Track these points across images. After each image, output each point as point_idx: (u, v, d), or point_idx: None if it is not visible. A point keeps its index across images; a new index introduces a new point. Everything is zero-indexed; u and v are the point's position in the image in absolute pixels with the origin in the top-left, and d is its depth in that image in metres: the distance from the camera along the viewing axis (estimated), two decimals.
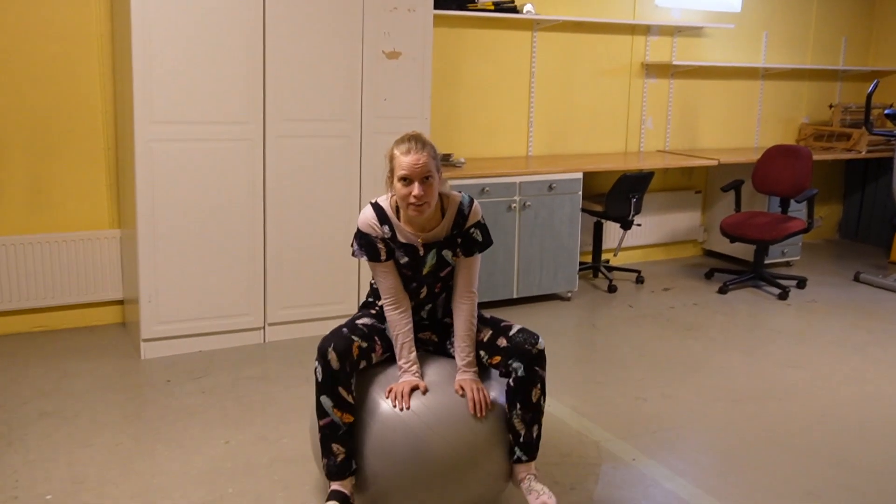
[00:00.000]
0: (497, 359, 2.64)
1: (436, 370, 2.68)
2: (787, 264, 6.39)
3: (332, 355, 2.52)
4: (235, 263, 4.17)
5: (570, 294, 5.35)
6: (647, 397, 3.79)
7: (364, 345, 2.61)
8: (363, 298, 4.47)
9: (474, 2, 5.05)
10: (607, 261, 5.99)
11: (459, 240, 2.71)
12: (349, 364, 2.54)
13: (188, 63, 3.88)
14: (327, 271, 4.41)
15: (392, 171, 2.60)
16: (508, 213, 4.92)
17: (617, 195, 5.35)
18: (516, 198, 4.93)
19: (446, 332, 2.81)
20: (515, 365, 2.57)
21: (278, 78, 4.09)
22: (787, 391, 3.91)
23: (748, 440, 3.38)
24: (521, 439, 2.61)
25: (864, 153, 6.45)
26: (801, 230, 5.51)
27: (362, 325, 2.68)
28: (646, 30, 5.95)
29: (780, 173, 5.69)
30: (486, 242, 2.76)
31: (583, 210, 5.28)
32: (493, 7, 5.10)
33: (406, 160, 2.54)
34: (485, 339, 2.70)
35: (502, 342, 2.63)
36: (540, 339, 2.60)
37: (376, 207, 2.69)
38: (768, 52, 6.64)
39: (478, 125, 5.42)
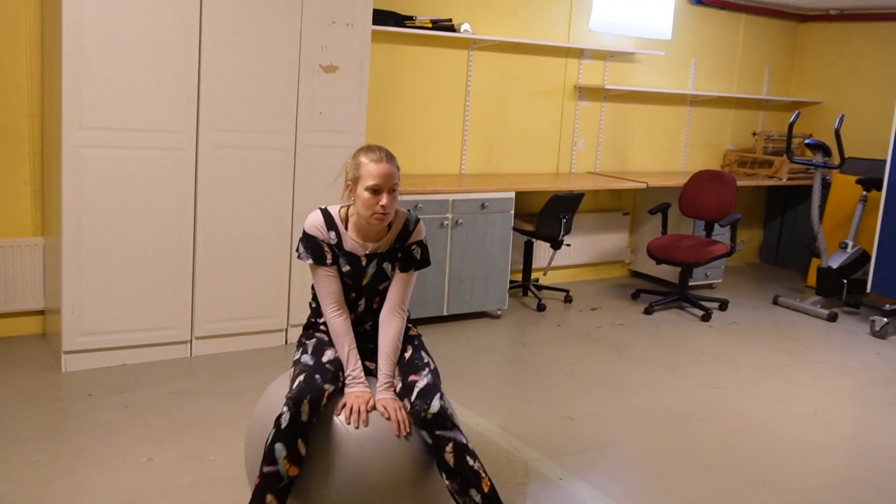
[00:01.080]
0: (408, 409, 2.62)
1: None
2: (710, 286, 6.58)
3: (305, 406, 2.45)
4: (163, 275, 4.08)
5: (499, 312, 5.40)
6: (574, 416, 3.84)
7: (332, 388, 2.57)
8: (294, 313, 4.48)
9: (412, 19, 5.08)
10: (537, 280, 6.07)
11: (400, 254, 2.73)
12: (318, 416, 2.49)
13: (120, 68, 3.80)
14: (258, 285, 4.36)
15: (357, 179, 2.60)
16: (441, 231, 4.94)
17: (548, 215, 5.43)
18: (449, 215, 4.96)
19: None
20: (424, 435, 2.53)
21: (213, 87, 4.04)
22: (709, 411, 4.02)
23: (673, 460, 3.46)
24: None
25: (784, 180, 6.70)
26: (724, 254, 5.69)
27: (328, 363, 2.64)
28: (579, 53, 6.07)
29: (706, 198, 5.86)
30: (424, 262, 2.78)
31: (514, 229, 5.34)
32: (430, 25, 5.13)
33: (377, 169, 2.56)
34: (396, 388, 2.66)
35: (406, 404, 2.59)
36: (434, 400, 2.51)
37: (325, 213, 2.70)
38: (696, 80, 6.85)
39: (412, 141, 5.43)
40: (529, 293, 5.90)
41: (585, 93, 6.20)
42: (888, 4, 6.48)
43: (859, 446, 3.75)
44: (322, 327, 2.81)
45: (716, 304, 5.91)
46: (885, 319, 5.49)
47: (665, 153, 6.84)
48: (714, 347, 5.06)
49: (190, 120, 4.01)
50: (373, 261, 2.71)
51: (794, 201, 7.39)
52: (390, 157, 2.61)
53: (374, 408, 2.55)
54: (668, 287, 6.36)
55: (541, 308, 5.60)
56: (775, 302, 6.22)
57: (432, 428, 2.51)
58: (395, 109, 5.32)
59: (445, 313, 5.08)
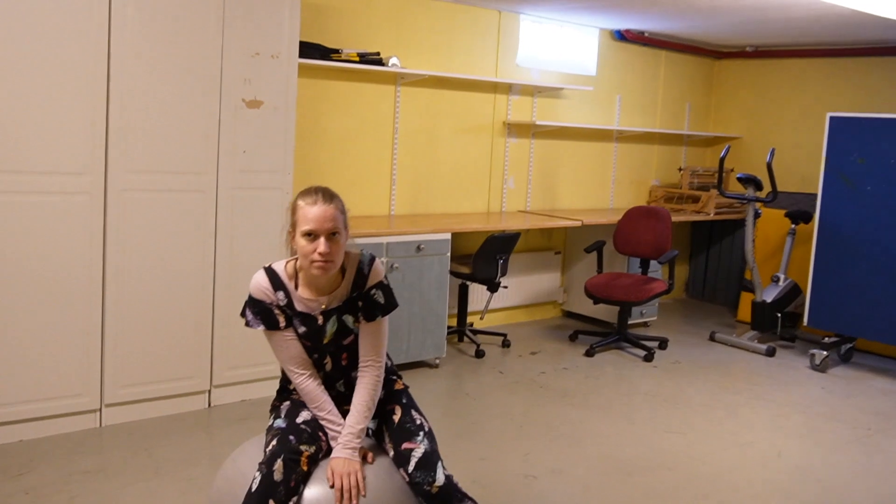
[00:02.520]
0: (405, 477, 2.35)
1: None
2: (646, 324, 6.44)
3: (278, 465, 2.16)
4: (66, 336, 3.58)
5: (437, 361, 5.07)
6: (536, 474, 3.53)
7: (312, 450, 2.27)
8: (218, 371, 4.03)
9: (339, 52, 4.77)
10: (471, 324, 5.78)
11: (360, 303, 2.41)
12: (294, 478, 2.18)
13: (12, 101, 3.33)
14: (176, 343, 3.90)
15: (294, 224, 2.31)
16: None
17: (485, 256, 5.17)
18: (384, 259, 4.62)
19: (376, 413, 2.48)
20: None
21: (123, 123, 3.61)
22: (674, 460, 3.78)
23: None
24: None
25: (712, 215, 6.66)
26: (663, 291, 5.54)
27: (303, 423, 2.33)
28: (507, 89, 5.89)
29: (642, 234, 5.72)
30: (390, 304, 2.46)
31: (450, 272, 5.04)
32: (357, 58, 4.84)
33: (311, 212, 2.27)
34: (390, 454, 2.40)
35: (404, 475, 2.32)
36: (437, 472, 2.29)
37: (269, 272, 2.39)
38: (622, 115, 6.77)
39: (340, 181, 5.09)
40: (466, 339, 5.59)
41: (514, 129, 6.01)
42: (802, 42, 6.58)
43: (832, 490, 3.57)
44: (295, 395, 2.49)
45: (655, 343, 5.75)
46: (825, 353, 5.43)
47: (593, 190, 6.71)
48: (663, 389, 4.86)
49: (97, 160, 3.56)
50: (330, 317, 2.39)
51: (718, 236, 7.38)
52: (329, 198, 2.31)
53: (373, 459, 2.35)
54: (605, 327, 6.18)
55: (479, 354, 5.30)
56: (712, 338, 6.11)
57: (434, 502, 2.27)
58: (321, 147, 4.97)
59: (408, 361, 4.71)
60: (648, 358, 5.46)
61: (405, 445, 2.36)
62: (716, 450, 3.95)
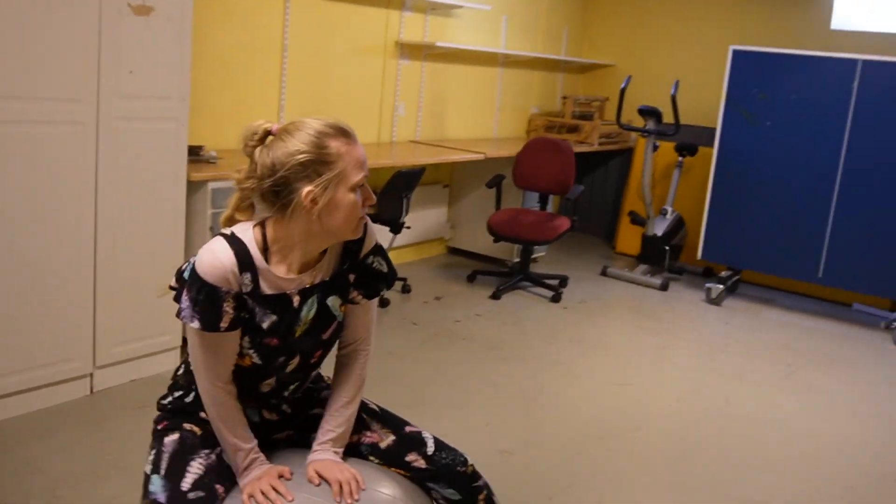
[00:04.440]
0: (403, 473, 1.86)
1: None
2: (534, 260, 6.19)
3: None
4: None
5: None
6: (510, 449, 3.16)
7: None
8: (102, 349, 3.24)
9: None
10: None
11: (352, 276, 1.83)
12: None
13: None
14: (47, 320, 3.07)
15: (335, 178, 1.65)
16: None
17: (390, 195, 4.63)
18: None
19: (312, 426, 1.87)
20: (447, 492, 1.88)
21: None
22: (638, 417, 3.54)
23: (651, 487, 2.91)
24: None
25: (596, 146, 6.46)
26: (568, 229, 5.27)
27: (192, 491, 1.65)
28: (401, 3, 5.25)
29: (544, 169, 5.39)
30: (393, 273, 1.91)
31: None
32: None
33: (359, 154, 1.69)
34: (382, 445, 1.88)
35: (417, 461, 1.85)
36: (468, 456, 1.91)
37: (235, 242, 1.67)
38: (507, 39, 6.34)
39: (222, 108, 4.30)
40: None
41: (407, 50, 5.40)
42: None
43: (799, 435, 3.49)
44: (192, 411, 1.82)
45: (556, 282, 5.50)
46: (721, 287, 5.44)
47: (478, 118, 6.28)
48: (586, 334, 4.62)
49: None
50: (309, 297, 1.76)
51: (591, 167, 7.23)
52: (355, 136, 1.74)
53: (290, 475, 1.75)
54: (497, 265, 5.86)
55: (384, 303, 4.80)
56: (604, 273, 5.98)
57: (467, 484, 1.88)
58: (200, 67, 4.13)
59: None
60: (556, 298, 5.21)
61: (409, 429, 1.91)
62: (671, 402, 3.76)
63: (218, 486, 1.69)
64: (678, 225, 6.10)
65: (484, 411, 3.49)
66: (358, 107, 5.15)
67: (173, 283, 1.77)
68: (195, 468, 1.68)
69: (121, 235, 3.23)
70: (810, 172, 5.12)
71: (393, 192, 4.63)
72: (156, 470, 1.68)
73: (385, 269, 1.88)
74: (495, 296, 5.15)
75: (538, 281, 5.37)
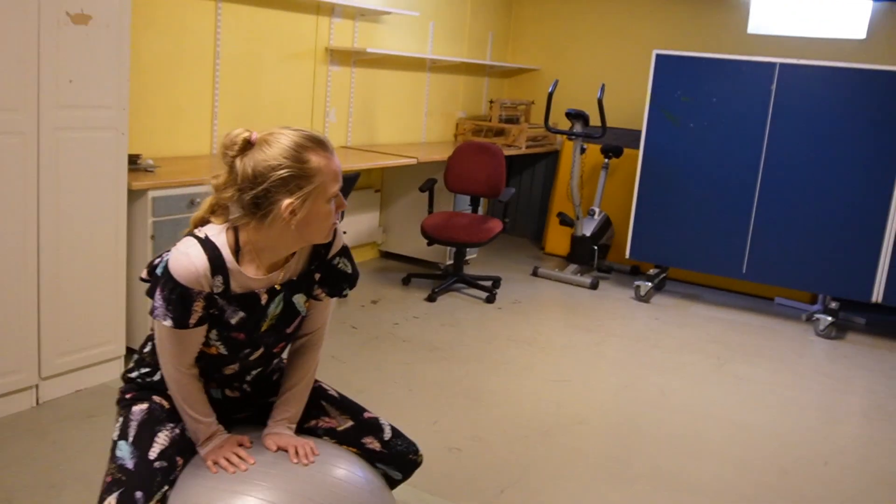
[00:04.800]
0: (353, 451, 2.00)
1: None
2: (467, 262, 6.28)
3: None
4: None
5: None
6: (458, 446, 3.23)
7: (167, 488, 1.76)
8: (48, 359, 3.17)
9: None
10: None
11: (318, 275, 1.92)
12: None
13: None
14: None
15: (313, 191, 1.72)
16: None
17: None
18: None
19: (270, 411, 1.98)
20: (392, 474, 2.06)
21: None
22: (578, 412, 3.67)
23: (596, 480, 3.03)
24: None
25: (524, 148, 6.61)
26: (501, 230, 5.38)
27: (158, 459, 1.76)
28: (330, 10, 5.27)
29: (475, 172, 5.50)
30: (356, 273, 2.01)
31: None
32: None
33: (336, 167, 1.76)
34: (339, 429, 2.00)
35: (372, 443, 1.99)
36: (419, 446, 2.11)
37: (208, 245, 1.73)
38: (434, 44, 6.42)
39: (156, 116, 4.25)
40: None
41: (337, 56, 5.43)
42: None
43: (733, 425, 3.67)
44: (158, 386, 1.91)
45: (489, 283, 5.61)
46: (650, 284, 5.65)
47: (407, 123, 6.34)
48: (521, 333, 4.74)
49: None
50: (277, 296, 1.84)
51: (518, 169, 7.38)
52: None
53: (250, 443, 1.89)
54: (429, 267, 5.94)
55: None
56: (535, 273, 6.12)
57: (413, 469, 2.08)
58: (133, 75, 4.07)
59: None
60: (490, 299, 5.31)
61: (367, 415, 2.04)
62: (609, 396, 3.90)
63: (178, 458, 1.81)
64: (606, 225, 6.30)
65: (430, 410, 3.55)
66: (290, 113, 5.15)
67: (144, 275, 1.85)
68: (161, 439, 1.80)
69: (63, 246, 3.17)
70: (733, 172, 5.37)
71: None
72: (123, 436, 1.79)
73: (349, 269, 1.97)
74: (431, 298, 5.22)
75: (472, 283, 5.47)
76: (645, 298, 5.65)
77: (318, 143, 1.74)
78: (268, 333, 1.87)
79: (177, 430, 1.85)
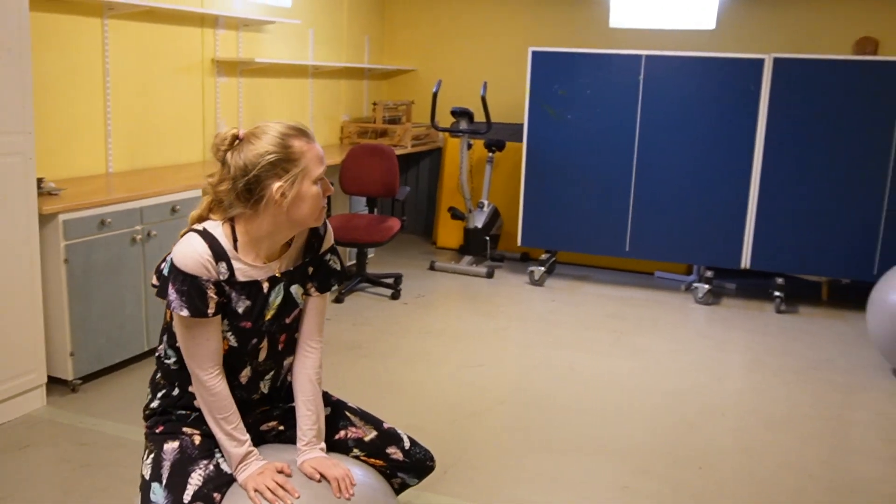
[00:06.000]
0: (379, 463, 2.13)
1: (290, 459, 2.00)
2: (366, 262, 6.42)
3: None
4: None
5: None
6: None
7: None
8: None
9: None
10: None
11: (311, 269, 2.06)
12: None
13: None
14: None
15: (299, 175, 1.86)
16: (133, 248, 3.91)
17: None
18: (139, 227, 3.94)
19: (293, 416, 2.08)
20: (410, 481, 2.21)
21: None
22: (497, 394, 3.90)
23: (532, 454, 3.27)
24: None
25: (409, 147, 6.80)
26: (400, 228, 5.56)
27: (198, 485, 1.83)
28: (214, 21, 5.28)
29: (369, 173, 5.64)
30: (344, 271, 2.16)
31: None
32: None
33: (318, 152, 1.90)
34: (366, 439, 2.14)
35: (396, 454, 2.15)
36: (433, 453, 2.27)
37: (207, 237, 1.86)
38: (315, 50, 6.51)
39: (50, 138, 4.16)
40: None
41: (223, 68, 5.44)
42: None
43: (638, 392, 4.00)
44: (182, 412, 1.98)
45: (392, 280, 5.77)
46: (542, 268, 5.97)
47: None
48: (432, 325, 4.93)
49: None
50: (277, 284, 1.97)
51: (404, 168, 7.56)
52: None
53: (290, 473, 1.92)
54: None
55: None
56: (432, 268, 6.33)
57: (427, 473, 2.23)
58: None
59: (147, 348, 4.07)
60: (395, 296, 5.48)
61: (386, 426, 2.19)
62: (524, 376, 4.16)
63: (215, 495, 1.83)
64: (495, 216, 6.58)
65: (335, 395, 3.68)
66: (182, 126, 5.13)
67: (154, 280, 1.91)
68: (195, 479, 1.82)
69: None
70: (611, 158, 5.75)
71: None
72: (156, 478, 1.82)
73: (338, 267, 2.12)
74: (338, 299, 5.34)
75: (376, 281, 5.62)
76: (539, 282, 5.97)
77: (300, 131, 1.89)
78: (271, 322, 1.97)
79: (210, 467, 1.88)
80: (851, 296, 5.83)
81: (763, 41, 6.40)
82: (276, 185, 1.83)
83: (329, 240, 2.09)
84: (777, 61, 5.36)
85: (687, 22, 6.57)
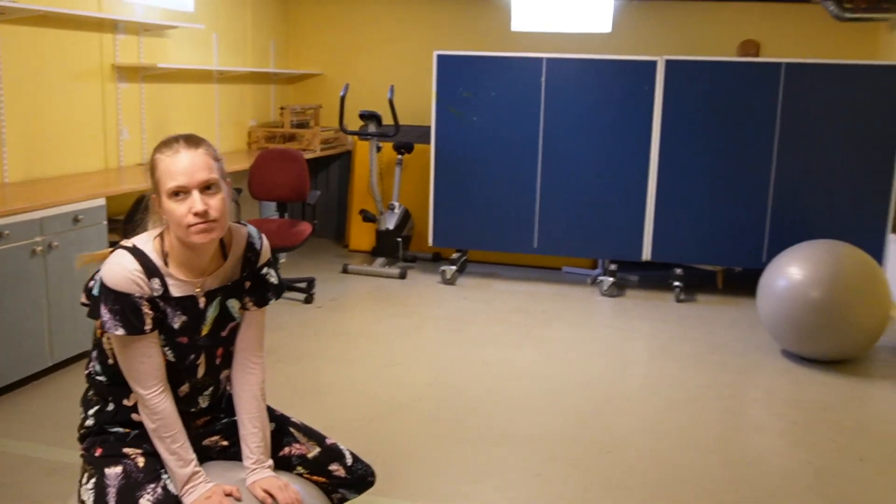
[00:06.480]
0: (322, 480, 2.14)
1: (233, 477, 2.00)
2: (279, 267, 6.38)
3: None
4: None
5: None
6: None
7: None
8: None
9: None
10: None
11: (248, 283, 2.04)
12: None
13: None
14: None
15: (157, 186, 1.85)
16: (33, 260, 3.82)
17: (136, 219, 4.60)
18: (39, 238, 3.85)
19: (236, 431, 2.07)
20: (350, 495, 2.19)
21: None
22: (415, 389, 3.98)
23: (458, 443, 3.35)
24: None
25: (318, 151, 6.81)
26: (311, 232, 5.57)
27: None
28: (113, 26, 5.18)
29: (278, 178, 5.63)
30: (282, 285, 2.14)
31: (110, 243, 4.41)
32: None
33: (176, 164, 1.82)
34: (309, 456, 2.13)
35: (338, 470, 2.15)
36: (373, 468, 2.26)
37: (136, 253, 1.85)
38: (220, 55, 6.45)
39: None
40: None
41: (124, 73, 5.34)
42: None
43: (545, 377, 4.15)
44: (119, 430, 1.95)
45: (304, 284, 5.77)
46: (453, 268, 6.08)
47: (200, 134, 6.30)
48: (347, 328, 4.97)
49: None
50: (214, 299, 1.97)
51: (313, 172, 7.56)
52: (194, 143, 1.88)
53: (239, 496, 1.90)
54: None
55: None
56: (345, 270, 6.36)
57: (364, 491, 2.20)
58: None
59: (51, 363, 3.98)
60: (309, 300, 5.50)
61: (329, 441, 2.18)
62: (440, 372, 4.25)
63: None
64: (406, 217, 6.65)
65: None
66: (81, 134, 5.01)
67: (84, 299, 1.88)
68: (146, 500, 1.80)
69: None
70: (517, 158, 5.91)
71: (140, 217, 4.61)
72: (101, 495, 1.78)
73: (275, 280, 2.09)
74: None
75: (288, 285, 5.62)
76: (451, 281, 6.07)
77: (166, 142, 1.87)
78: (207, 337, 1.96)
79: (159, 490, 1.84)
80: (744, 283, 6.15)
81: (656, 44, 6.69)
82: (153, 196, 1.87)
83: (266, 253, 2.06)
84: (669, 63, 5.62)
85: (585, 25, 6.79)
